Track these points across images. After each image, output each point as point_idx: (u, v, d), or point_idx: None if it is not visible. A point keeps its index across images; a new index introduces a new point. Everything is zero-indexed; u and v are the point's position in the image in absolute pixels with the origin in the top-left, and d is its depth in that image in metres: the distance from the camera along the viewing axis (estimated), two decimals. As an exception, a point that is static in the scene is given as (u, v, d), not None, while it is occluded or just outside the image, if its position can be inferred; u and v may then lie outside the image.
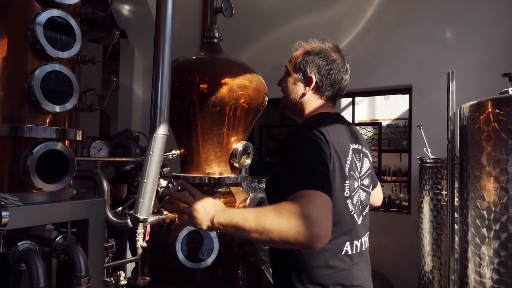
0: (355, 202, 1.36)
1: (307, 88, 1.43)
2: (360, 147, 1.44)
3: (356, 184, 1.37)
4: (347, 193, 1.31)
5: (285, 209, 1.02)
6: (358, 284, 1.32)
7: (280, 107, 1.54)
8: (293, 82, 1.46)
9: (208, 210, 1.20)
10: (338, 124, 1.39)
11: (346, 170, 1.31)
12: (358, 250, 1.35)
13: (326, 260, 1.28)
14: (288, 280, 1.31)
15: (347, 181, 1.31)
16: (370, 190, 1.49)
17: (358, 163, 1.40)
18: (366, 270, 1.40)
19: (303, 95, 1.44)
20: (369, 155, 1.50)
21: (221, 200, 2.11)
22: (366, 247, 1.41)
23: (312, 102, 1.44)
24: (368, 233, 1.45)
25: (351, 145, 1.38)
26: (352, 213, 1.33)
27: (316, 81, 1.41)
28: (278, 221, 1.01)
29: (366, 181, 1.45)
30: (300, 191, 1.06)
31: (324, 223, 1.00)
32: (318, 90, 1.43)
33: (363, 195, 1.42)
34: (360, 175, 1.41)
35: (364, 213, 1.42)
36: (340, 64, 1.42)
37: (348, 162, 1.33)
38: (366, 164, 1.46)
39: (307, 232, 0.97)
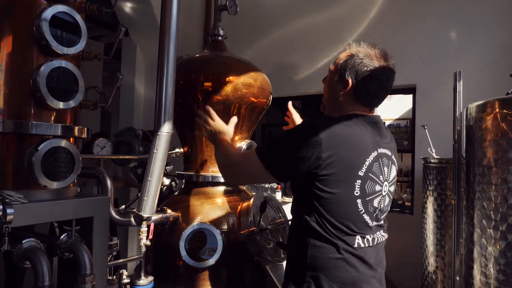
0: (375, 205, 1.36)
1: (343, 91, 1.40)
2: (390, 153, 1.44)
3: (378, 188, 1.37)
4: (357, 193, 1.30)
5: (236, 157, 1.50)
6: (368, 280, 1.32)
7: (321, 108, 1.55)
8: (333, 83, 1.45)
9: (216, 130, 1.65)
10: (361, 126, 1.35)
11: (362, 171, 1.30)
12: (370, 244, 1.35)
13: (336, 252, 1.29)
14: (298, 271, 1.34)
15: (358, 181, 1.29)
16: (392, 196, 1.51)
17: (385, 169, 1.40)
18: (377, 265, 1.38)
19: (339, 97, 1.42)
20: (396, 164, 1.51)
21: (226, 199, 2.13)
22: (379, 241, 1.40)
23: (347, 105, 1.41)
24: (383, 229, 1.45)
25: (378, 149, 1.37)
26: (361, 212, 1.32)
27: (352, 86, 1.38)
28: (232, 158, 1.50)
29: (392, 188, 1.47)
30: (257, 155, 1.36)
31: (234, 176, 1.55)
32: (354, 94, 1.40)
33: (387, 201, 1.43)
34: (388, 181, 1.42)
35: (381, 217, 1.42)
36: (381, 73, 1.38)
37: (367, 163, 1.31)
38: (394, 172, 1.47)
39: (227, 172, 1.55)
